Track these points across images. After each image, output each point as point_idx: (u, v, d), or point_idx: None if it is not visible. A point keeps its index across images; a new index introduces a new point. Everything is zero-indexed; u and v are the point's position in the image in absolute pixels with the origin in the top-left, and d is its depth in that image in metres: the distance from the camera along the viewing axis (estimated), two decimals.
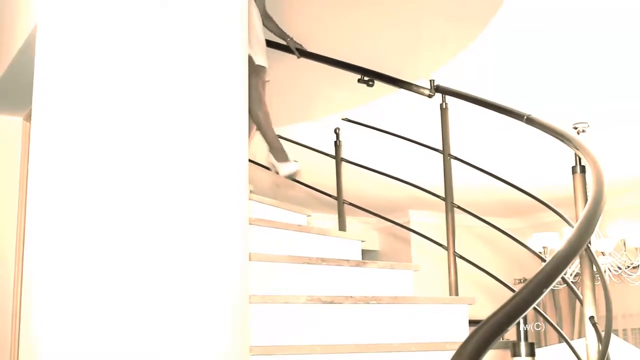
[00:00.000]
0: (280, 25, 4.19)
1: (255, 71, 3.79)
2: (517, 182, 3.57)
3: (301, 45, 4.22)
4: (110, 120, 2.22)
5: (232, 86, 2.44)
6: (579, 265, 2.89)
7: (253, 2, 3.99)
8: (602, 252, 5.83)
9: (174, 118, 2.27)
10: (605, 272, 5.81)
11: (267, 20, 4.16)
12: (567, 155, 3.09)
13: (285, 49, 4.22)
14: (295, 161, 3.83)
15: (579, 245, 2.00)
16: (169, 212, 2.19)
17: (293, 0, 4.20)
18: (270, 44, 4.10)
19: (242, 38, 2.54)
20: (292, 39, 4.24)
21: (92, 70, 2.26)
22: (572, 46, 4.11)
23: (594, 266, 2.82)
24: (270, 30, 4.19)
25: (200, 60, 2.36)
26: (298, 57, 4.23)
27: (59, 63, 2.38)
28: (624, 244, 5.86)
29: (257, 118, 3.84)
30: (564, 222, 3.16)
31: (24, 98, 3.31)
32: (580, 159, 2.91)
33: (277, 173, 3.87)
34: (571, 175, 2.97)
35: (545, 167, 6.30)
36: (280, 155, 3.85)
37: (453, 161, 3.64)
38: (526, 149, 5.87)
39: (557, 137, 3.05)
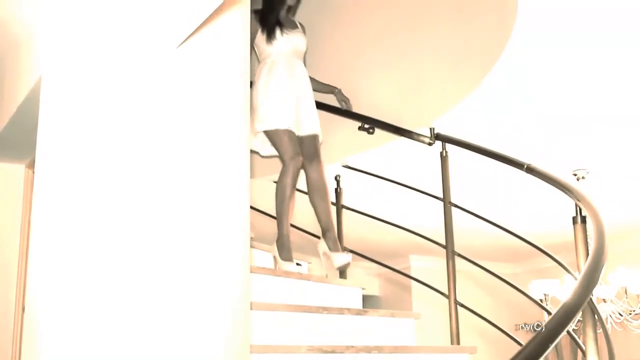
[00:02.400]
0: None
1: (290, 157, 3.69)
2: (517, 228, 3.56)
3: (348, 100, 4.17)
4: (115, 168, 2.24)
5: (233, 133, 2.46)
6: (581, 314, 2.88)
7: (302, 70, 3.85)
8: (604, 300, 5.79)
9: (175, 166, 2.29)
10: (607, 319, 5.77)
11: (312, 82, 4.03)
12: (567, 201, 3.09)
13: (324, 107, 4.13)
14: (298, 264, 3.64)
15: (581, 301, 1.99)
16: (169, 258, 2.20)
17: None
18: None
19: (245, 116, 2.57)
20: (339, 90, 4.19)
21: (98, 119, 2.28)
22: (573, 91, 4.13)
23: (596, 316, 2.81)
24: (316, 90, 4.09)
25: (202, 112, 2.39)
26: (343, 109, 4.16)
27: (64, 113, 2.40)
28: (625, 291, 5.82)
29: (281, 204, 3.69)
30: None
31: (27, 147, 3.35)
32: (581, 209, 2.91)
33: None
34: (572, 224, 2.98)
35: (546, 213, 6.29)
36: (284, 253, 3.68)
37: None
38: (526, 194, 5.87)
39: (558, 187, 3.06)
